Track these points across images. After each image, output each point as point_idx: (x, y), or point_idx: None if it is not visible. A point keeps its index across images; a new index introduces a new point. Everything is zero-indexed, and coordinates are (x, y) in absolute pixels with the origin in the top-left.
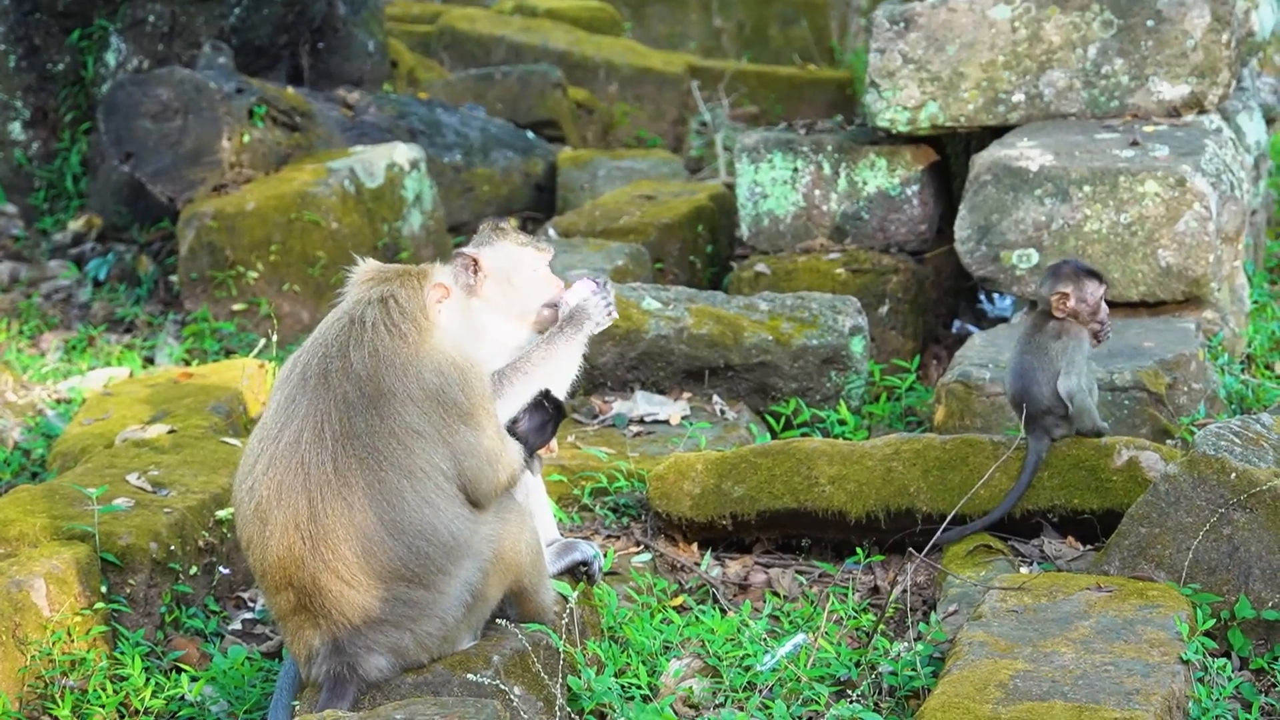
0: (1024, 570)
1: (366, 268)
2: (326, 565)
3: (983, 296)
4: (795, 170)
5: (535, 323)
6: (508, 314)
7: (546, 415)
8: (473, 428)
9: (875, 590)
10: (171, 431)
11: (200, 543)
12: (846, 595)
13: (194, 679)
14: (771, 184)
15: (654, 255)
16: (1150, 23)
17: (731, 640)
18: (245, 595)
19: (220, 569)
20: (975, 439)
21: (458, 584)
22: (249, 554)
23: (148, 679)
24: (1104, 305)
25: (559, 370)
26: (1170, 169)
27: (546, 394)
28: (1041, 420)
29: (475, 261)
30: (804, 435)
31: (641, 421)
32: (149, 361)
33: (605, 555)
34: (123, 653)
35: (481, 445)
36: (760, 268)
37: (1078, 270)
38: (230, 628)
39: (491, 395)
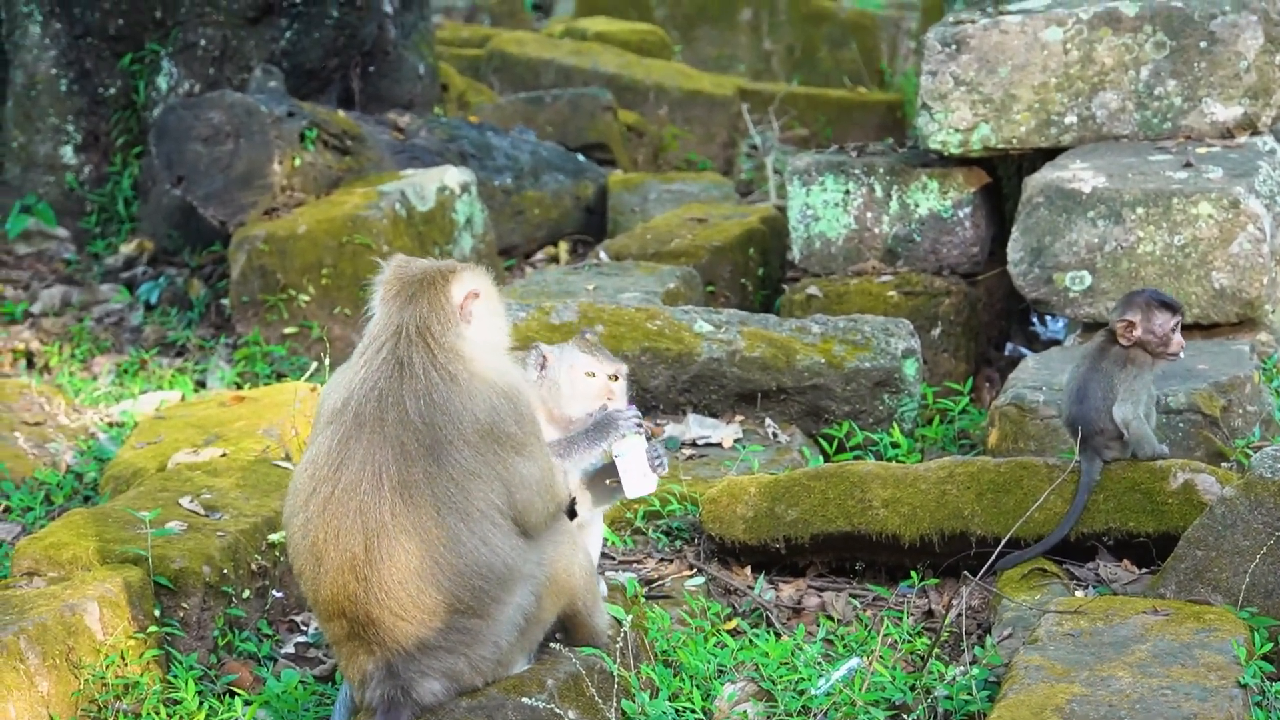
0: (1079, 594)
1: (392, 272)
2: (379, 602)
3: (1035, 319)
4: (847, 192)
5: (568, 423)
6: (551, 413)
7: None
8: (525, 458)
9: (930, 614)
10: (224, 455)
11: (253, 566)
12: (901, 619)
13: (247, 703)
14: (823, 206)
15: (705, 278)
16: (1203, 44)
17: (786, 664)
18: (298, 619)
19: (273, 593)
20: (1029, 462)
21: (511, 609)
22: (302, 582)
23: (201, 703)
24: (1176, 336)
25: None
26: (1224, 191)
27: None
28: (1093, 441)
29: (544, 361)
30: (857, 458)
31: (694, 444)
32: (201, 385)
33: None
34: (176, 676)
35: (533, 476)
36: (812, 290)
37: (1150, 300)
38: (283, 651)
39: (537, 420)
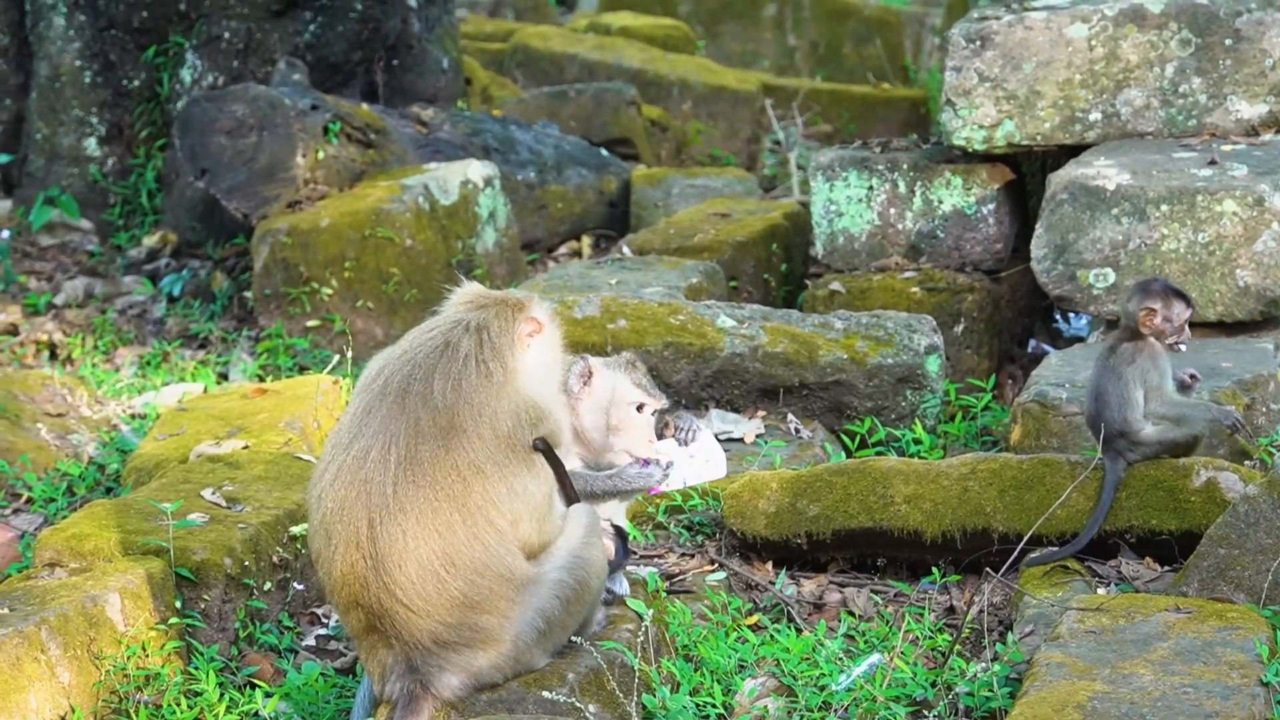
0: (1101, 591)
1: (469, 290)
2: (388, 590)
3: (1058, 316)
4: (870, 188)
5: (596, 454)
6: (584, 432)
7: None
8: (533, 477)
9: (951, 610)
10: (245, 447)
11: (274, 558)
12: (922, 615)
13: (268, 695)
14: (846, 202)
15: (728, 273)
16: (1228, 41)
17: (807, 659)
18: (319, 611)
19: (294, 585)
20: (1052, 459)
21: (529, 611)
22: (318, 567)
23: (222, 694)
24: (1187, 329)
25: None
26: (1248, 188)
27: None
28: (1115, 443)
29: (590, 375)
30: (879, 454)
31: (716, 440)
32: (223, 377)
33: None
34: (197, 668)
35: (534, 498)
36: (835, 286)
37: (1166, 289)
38: (304, 644)
39: (559, 448)
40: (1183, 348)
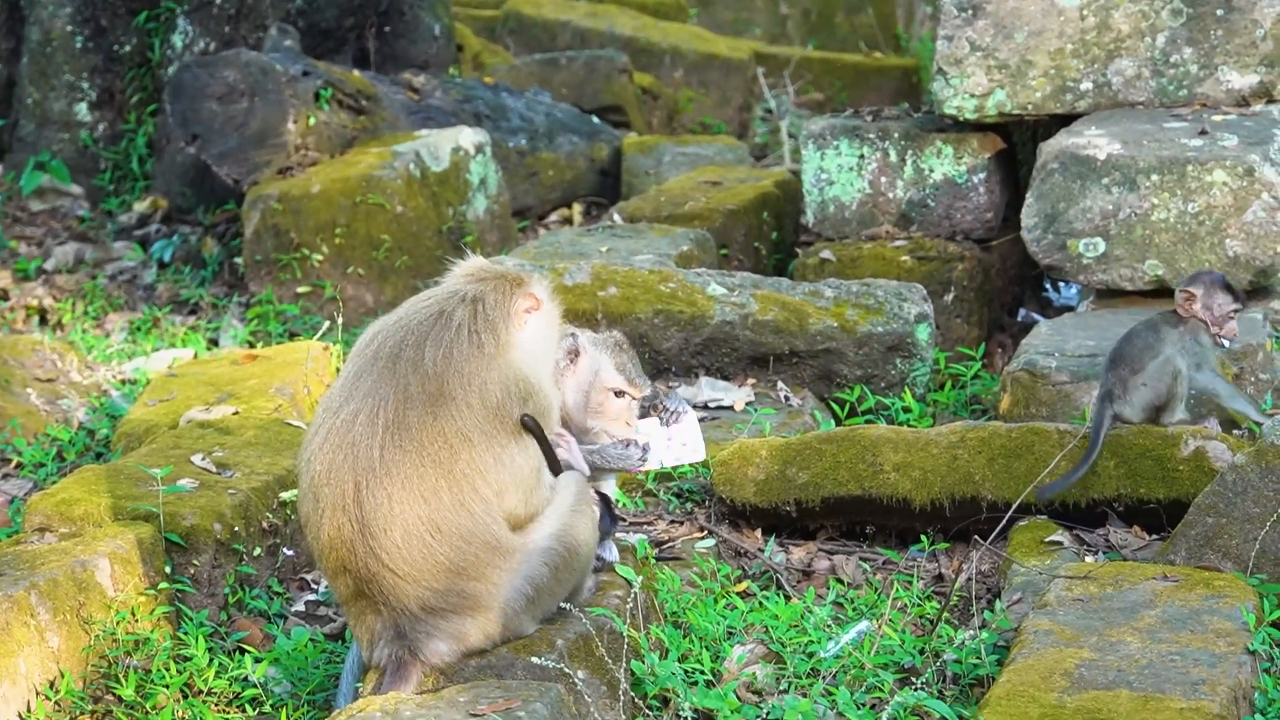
0: (1089, 559)
1: (470, 263)
2: (375, 554)
3: (1048, 285)
4: (861, 157)
5: (576, 431)
6: (565, 408)
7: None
8: (520, 449)
9: (939, 578)
10: (235, 413)
11: (264, 524)
12: (911, 582)
13: (257, 660)
14: (838, 171)
15: (719, 241)
16: (1220, 11)
17: (795, 626)
18: (309, 577)
19: (284, 550)
20: (1041, 427)
21: (517, 578)
22: (307, 531)
23: (211, 660)
24: (1232, 324)
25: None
26: (1239, 158)
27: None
28: (1112, 384)
29: (577, 354)
30: (868, 422)
31: (706, 407)
32: (213, 343)
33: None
34: (186, 633)
35: (521, 469)
36: (825, 254)
37: (1214, 280)
38: (294, 609)
39: (548, 421)
40: (1225, 343)
